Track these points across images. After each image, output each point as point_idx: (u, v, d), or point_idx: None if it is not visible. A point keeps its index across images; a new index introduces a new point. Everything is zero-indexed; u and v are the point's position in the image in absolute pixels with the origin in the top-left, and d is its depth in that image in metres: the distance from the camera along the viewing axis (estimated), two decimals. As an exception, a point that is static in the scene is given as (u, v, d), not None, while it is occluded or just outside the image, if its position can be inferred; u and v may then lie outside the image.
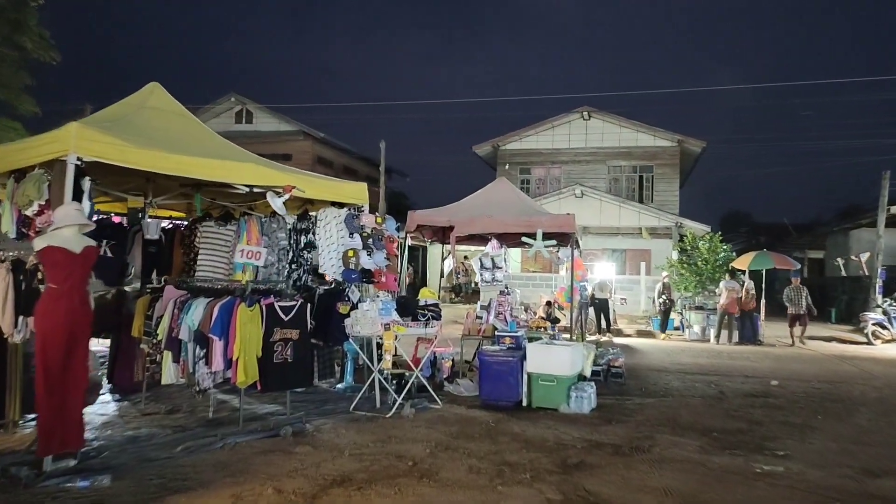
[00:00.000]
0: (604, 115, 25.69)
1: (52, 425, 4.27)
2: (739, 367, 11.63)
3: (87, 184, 4.53)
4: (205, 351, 5.32)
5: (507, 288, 9.07)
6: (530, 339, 7.69)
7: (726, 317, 15.60)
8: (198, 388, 5.42)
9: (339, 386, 7.76)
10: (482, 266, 8.10)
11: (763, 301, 16.05)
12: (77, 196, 4.53)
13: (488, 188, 9.11)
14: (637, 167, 25.77)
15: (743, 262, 16.35)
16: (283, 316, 5.70)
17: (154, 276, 7.74)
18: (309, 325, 5.93)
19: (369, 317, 6.22)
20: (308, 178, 6.49)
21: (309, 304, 6.93)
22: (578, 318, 16.69)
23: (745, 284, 15.80)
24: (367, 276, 6.81)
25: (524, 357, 7.07)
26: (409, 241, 8.64)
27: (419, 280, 25.37)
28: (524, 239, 8.07)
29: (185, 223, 8.32)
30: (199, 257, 7.39)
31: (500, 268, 8.05)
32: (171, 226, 8.40)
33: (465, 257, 21.43)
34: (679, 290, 18.95)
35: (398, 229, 7.99)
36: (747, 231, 44.99)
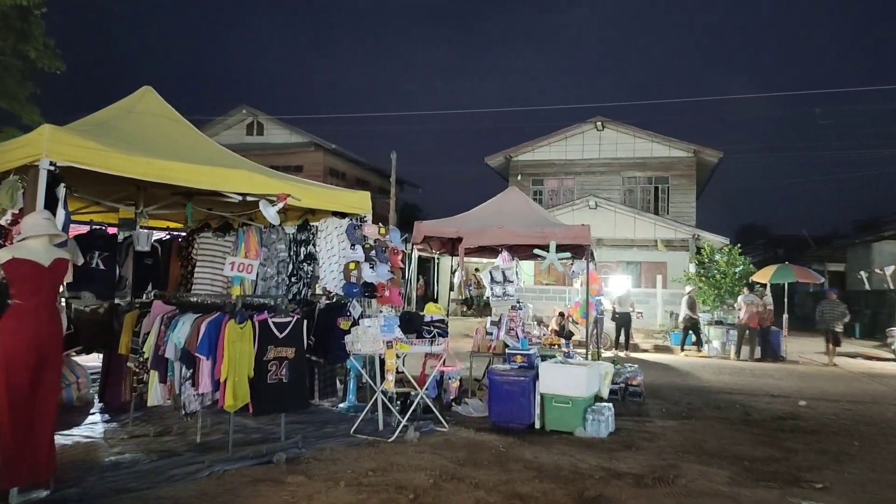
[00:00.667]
0: (618, 126, 25.26)
1: (18, 453, 3.89)
2: (764, 386, 11.08)
3: (62, 191, 4.19)
4: (191, 371, 4.94)
5: (519, 302, 8.64)
6: (543, 357, 7.25)
7: (747, 332, 15.03)
8: (184, 412, 5.02)
9: (341, 406, 7.35)
10: (492, 280, 7.68)
11: (785, 315, 15.44)
12: (52, 204, 4.19)
13: (499, 198, 8.71)
14: (652, 178, 25.27)
15: (764, 276, 15.79)
16: (277, 333, 5.31)
17: (150, 289, 7.41)
18: (306, 343, 5.54)
19: (370, 334, 5.82)
20: (307, 186, 6.13)
21: (307, 320, 6.59)
22: (593, 333, 16.23)
23: (764, 298, 15.22)
24: (369, 290, 6.42)
25: (536, 376, 6.63)
26: (416, 253, 8.25)
27: (430, 293, 24.97)
28: (536, 251, 7.65)
29: (183, 234, 8.01)
30: (196, 270, 7.05)
31: (511, 281, 7.63)
32: (168, 237, 8.08)
33: (477, 269, 21.00)
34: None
35: (405, 241, 7.60)
36: (764, 244, 44.20)
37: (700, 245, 20.43)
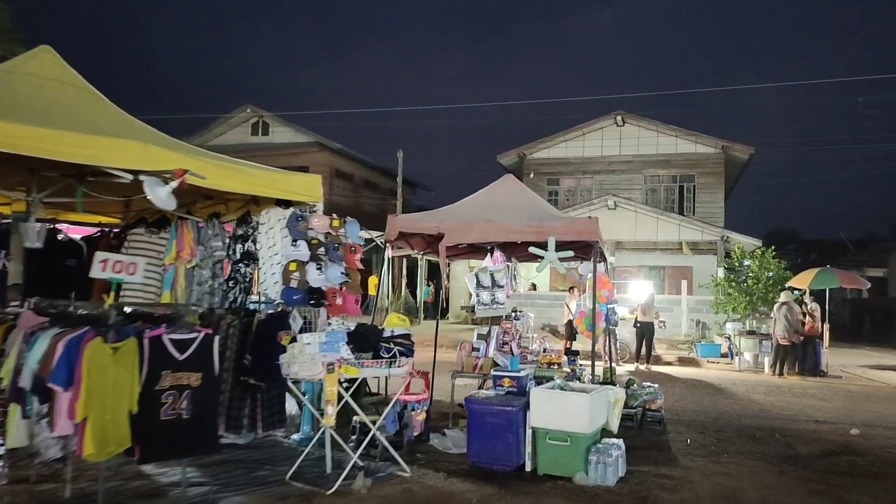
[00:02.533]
0: (639, 121, 23.72)
1: None
2: (806, 408, 9.56)
3: None
4: (48, 406, 3.70)
5: (515, 311, 7.30)
6: (539, 380, 5.90)
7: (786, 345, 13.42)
8: (41, 459, 3.78)
9: (294, 437, 6.07)
10: (478, 284, 6.35)
11: (826, 326, 13.82)
12: None
13: (492, 187, 7.38)
14: (677, 176, 23.66)
15: (803, 281, 14.17)
16: (175, 353, 4.04)
17: (73, 296, 6.22)
18: (216, 367, 4.26)
19: (308, 353, 4.53)
20: (233, 165, 4.86)
21: (244, 334, 5.34)
22: (605, 344, 14.76)
23: (808, 306, 13.62)
24: (316, 296, 5.13)
25: (528, 406, 5.28)
26: (389, 253, 6.94)
27: (443, 301, 23.57)
28: (532, 250, 6.31)
29: (116, 230, 6.83)
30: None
31: (502, 286, 6.29)
32: (98, 233, 6.91)
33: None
34: (726, 313, 16.82)
35: (371, 240, 6.31)
36: (795, 248, 42.18)
37: (729, 248, 18.84)
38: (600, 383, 8.29)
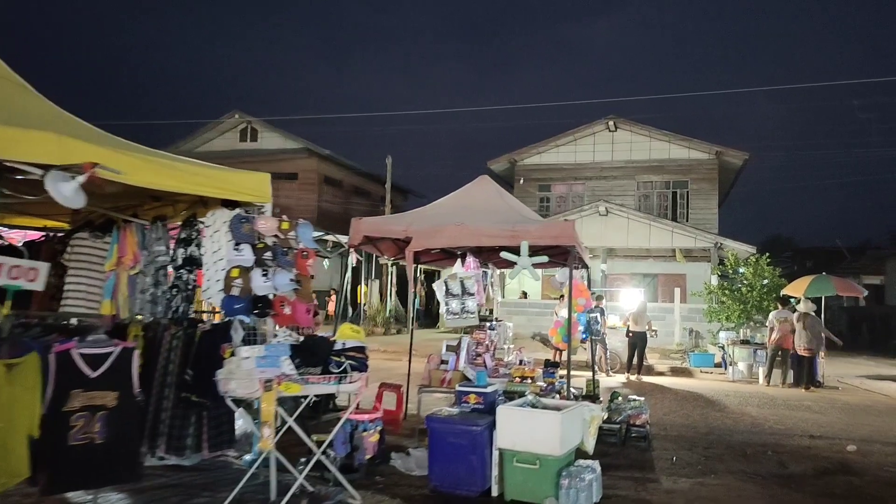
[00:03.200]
0: (632, 126, 23.34)
1: None
2: (801, 421, 9.12)
3: None
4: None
5: (490, 320, 6.88)
6: (511, 396, 5.47)
7: (779, 354, 13.01)
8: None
9: (246, 458, 5.61)
10: (447, 292, 5.90)
11: (823, 335, 13.37)
12: None
13: (465, 189, 6.96)
14: (670, 182, 23.28)
15: (798, 289, 13.76)
16: (87, 370, 3.60)
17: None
18: (136, 384, 3.81)
19: (245, 368, 4.08)
20: (169, 160, 4.43)
21: (188, 346, 4.89)
22: (599, 356, 14.33)
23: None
24: (261, 305, 4.69)
25: (494, 424, 4.83)
26: (353, 260, 6.50)
27: (435, 308, 23.07)
28: (504, 255, 5.88)
29: (60, 234, 6.39)
30: (68, 279, 5.45)
31: (472, 294, 5.85)
32: (43, 238, 6.47)
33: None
34: (720, 321, 16.39)
35: (336, 247, 5.87)
36: (791, 256, 41.86)
37: (723, 255, 18.44)
38: (582, 397, 7.88)
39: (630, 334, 13.61)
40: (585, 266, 7.52)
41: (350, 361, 4.44)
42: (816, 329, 12.59)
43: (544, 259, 5.80)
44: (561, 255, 6.73)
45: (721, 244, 18.94)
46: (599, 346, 14.09)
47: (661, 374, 14.87)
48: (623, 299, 16.96)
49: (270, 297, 4.73)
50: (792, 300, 13.62)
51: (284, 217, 4.93)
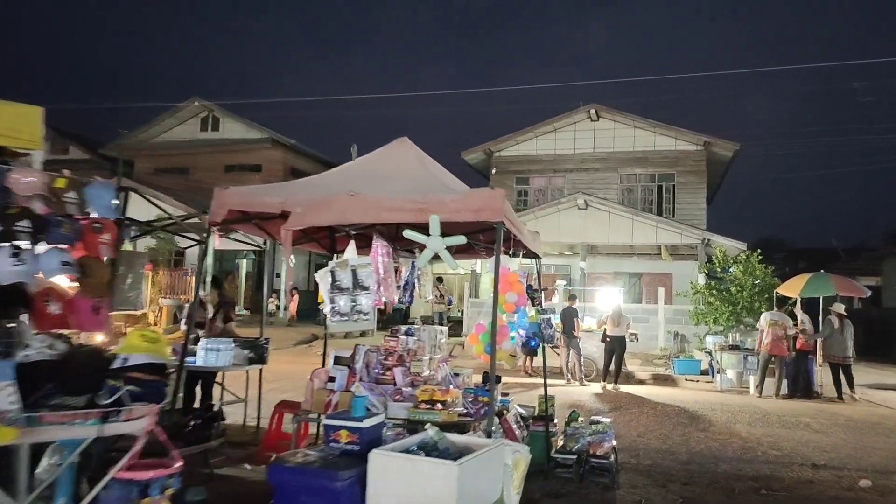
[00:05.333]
0: (615, 114, 21.84)
1: None
2: (800, 444, 7.64)
3: None
4: None
5: (409, 325, 5.35)
6: (414, 428, 3.94)
7: (772, 361, 11.54)
8: None
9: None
10: (333, 284, 4.34)
11: (819, 339, 11.92)
12: None
13: (379, 153, 5.39)
14: (655, 175, 21.79)
15: (793, 288, 12.29)
16: None
17: None
18: None
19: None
20: None
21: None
22: (570, 362, 12.81)
23: (799, 318, 11.75)
24: (6, 298, 3.13)
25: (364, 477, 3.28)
26: (216, 242, 4.91)
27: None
28: (407, 234, 4.33)
29: None
30: None
31: (367, 289, 4.30)
32: None
33: (439, 279, 17.60)
34: (707, 324, 14.92)
35: (129, 225, 4.28)
36: (784, 257, 40.60)
37: (711, 252, 16.99)
38: (533, 418, 6.37)
39: (607, 339, 12.10)
40: (535, 255, 5.98)
41: (132, 387, 2.87)
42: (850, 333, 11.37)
43: (461, 240, 4.26)
44: (476, 231, 5.20)
45: (709, 240, 17.48)
46: (573, 352, 12.59)
47: (641, 382, 13.39)
48: (600, 299, 15.44)
49: (25, 286, 3.18)
50: (789, 301, 12.17)
51: (65, 171, 3.35)
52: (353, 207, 4.44)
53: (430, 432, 3.68)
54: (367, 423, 3.54)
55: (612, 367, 12.12)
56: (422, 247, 4.48)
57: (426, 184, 4.82)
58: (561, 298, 16.16)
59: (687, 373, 13.61)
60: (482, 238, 5.59)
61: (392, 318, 21.01)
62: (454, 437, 3.74)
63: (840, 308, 11.68)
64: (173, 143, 26.17)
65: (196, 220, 7.66)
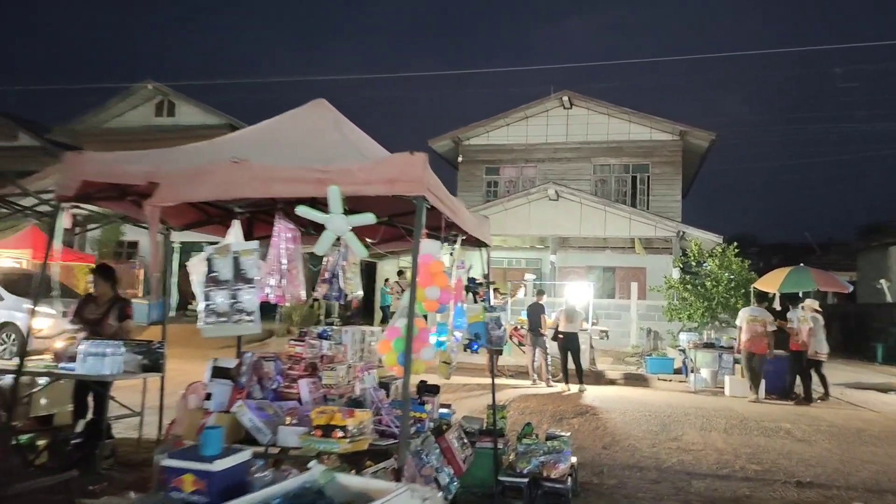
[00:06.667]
0: (588, 102, 21.01)
1: None
2: (781, 456, 6.86)
3: None
4: None
5: (325, 328, 4.44)
6: (307, 459, 2.99)
7: (754, 360, 10.77)
8: None
9: None
10: (209, 276, 3.37)
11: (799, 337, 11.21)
12: None
13: (285, 117, 4.43)
14: (629, 166, 21.04)
15: (772, 283, 11.58)
16: None
17: None
18: None
19: None
20: None
21: None
22: (535, 362, 11.98)
23: (789, 315, 11.00)
24: None
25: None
26: (65, 221, 3.88)
27: (361, 303, 20.34)
28: (300, 210, 3.39)
29: None
30: None
31: (252, 282, 3.34)
32: None
33: (400, 272, 16.64)
34: (681, 320, 14.20)
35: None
36: (757, 252, 40.41)
37: (686, 245, 16.28)
38: (480, 432, 5.48)
39: (560, 336, 11.26)
40: (482, 244, 5.07)
41: None
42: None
43: (369, 219, 3.32)
44: (392, 208, 4.23)
45: (684, 233, 16.78)
46: (539, 352, 11.75)
47: (612, 382, 12.63)
48: (569, 294, 14.64)
49: None
50: (765, 297, 11.44)
51: None
52: (236, 178, 3.49)
53: (316, 473, 2.74)
54: (219, 464, 2.59)
55: (573, 366, 11.31)
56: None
57: (337, 151, 3.87)
58: (531, 294, 15.36)
59: (660, 372, 12.90)
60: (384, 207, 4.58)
61: (361, 314, 19.87)
62: (348, 481, 2.81)
63: (815, 304, 11.02)
64: (126, 128, 24.80)
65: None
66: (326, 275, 4.98)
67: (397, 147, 3.83)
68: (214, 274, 3.42)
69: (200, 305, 3.43)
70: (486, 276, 5.41)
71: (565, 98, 20.90)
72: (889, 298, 19.04)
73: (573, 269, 19.76)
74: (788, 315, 11.00)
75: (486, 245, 5.21)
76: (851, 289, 12.59)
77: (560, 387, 11.29)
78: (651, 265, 18.94)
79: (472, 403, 9.08)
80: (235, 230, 3.72)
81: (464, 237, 4.56)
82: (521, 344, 13.26)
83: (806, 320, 10.69)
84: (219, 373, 3.63)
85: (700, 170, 23.53)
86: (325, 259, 5.02)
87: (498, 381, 12.29)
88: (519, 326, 13.23)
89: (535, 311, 11.77)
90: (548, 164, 21.26)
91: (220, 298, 3.39)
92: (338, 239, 5.21)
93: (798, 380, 10.90)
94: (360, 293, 5.06)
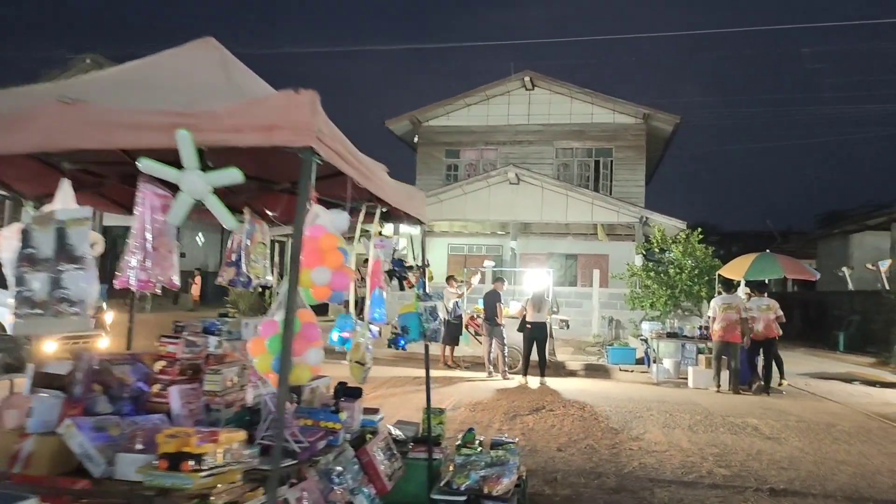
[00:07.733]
0: (551, 83, 20.32)
1: None
2: (750, 458, 6.27)
3: None
4: None
5: (214, 321, 3.60)
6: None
7: (728, 350, 10.20)
8: None
9: None
10: (24, 253, 2.53)
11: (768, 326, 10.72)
12: None
13: (161, 56, 3.56)
14: (592, 150, 20.45)
15: (737, 270, 11.06)
16: None
17: None
18: None
19: None
20: None
21: None
22: (491, 353, 11.28)
23: (766, 303, 10.45)
24: None
25: None
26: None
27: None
28: (143, 163, 2.53)
29: None
30: None
31: (82, 260, 2.51)
32: None
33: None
34: (643, 309, 13.67)
35: None
36: (718, 240, 40.56)
37: (649, 232, 15.76)
38: (412, 440, 4.72)
39: (528, 326, 10.56)
40: (418, 221, 4.26)
41: None
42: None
43: (235, 177, 2.47)
44: (278, 164, 3.33)
45: (647, 219, 16.26)
46: (496, 342, 11.04)
47: (572, 374, 12.02)
48: (528, 282, 13.95)
49: None
50: (731, 284, 10.91)
51: None
52: (66, 124, 2.63)
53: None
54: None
55: (538, 358, 10.63)
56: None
57: (214, 95, 2.99)
58: (489, 281, 14.62)
59: (621, 362, 12.33)
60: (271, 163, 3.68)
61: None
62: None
63: (746, 289, 10.65)
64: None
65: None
66: (233, 257, 4.14)
67: (352, 131, 2.99)
68: (31, 251, 2.54)
69: (11, 292, 2.54)
70: (421, 259, 4.62)
71: (527, 79, 20.17)
72: (850, 286, 18.92)
73: (534, 256, 19.15)
74: (748, 304, 10.49)
75: (421, 223, 4.41)
76: (819, 276, 12.18)
77: (518, 379, 10.60)
78: (614, 252, 18.44)
79: (419, 400, 8.30)
80: (65, 192, 2.83)
81: (384, 209, 3.74)
82: (477, 334, 12.53)
83: (767, 309, 10.23)
84: (43, 380, 2.75)
85: (664, 154, 23.11)
86: (230, 238, 4.19)
87: (452, 373, 11.62)
88: (476, 315, 12.49)
89: (492, 300, 11.05)
90: (509, 146, 20.54)
91: (38, 283, 2.52)
92: (239, 211, 4.30)
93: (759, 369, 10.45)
94: (270, 279, 4.21)
